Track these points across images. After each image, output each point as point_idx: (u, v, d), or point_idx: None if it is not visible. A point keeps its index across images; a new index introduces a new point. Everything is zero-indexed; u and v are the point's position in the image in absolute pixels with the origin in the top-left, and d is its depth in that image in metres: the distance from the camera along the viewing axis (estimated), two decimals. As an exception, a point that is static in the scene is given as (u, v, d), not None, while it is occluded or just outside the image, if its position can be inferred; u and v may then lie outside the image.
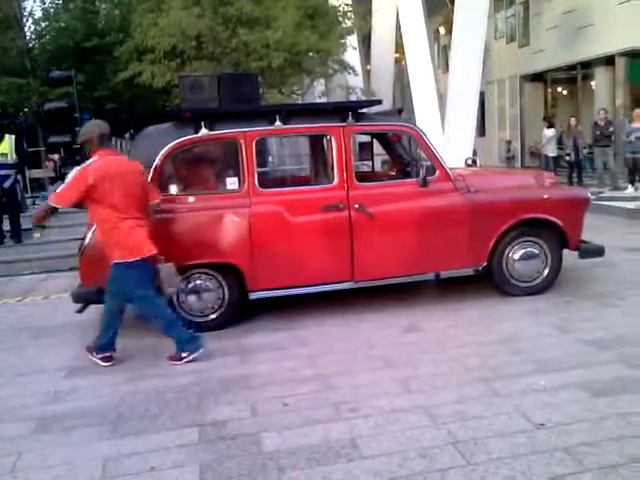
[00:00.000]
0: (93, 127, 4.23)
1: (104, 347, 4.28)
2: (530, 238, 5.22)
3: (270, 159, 13.04)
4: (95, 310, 5.00)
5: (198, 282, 4.81)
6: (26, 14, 19.05)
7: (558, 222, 5.16)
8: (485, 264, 5.14)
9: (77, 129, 12.06)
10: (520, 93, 19.52)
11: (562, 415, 3.14)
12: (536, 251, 5.23)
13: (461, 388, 3.54)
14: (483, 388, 3.53)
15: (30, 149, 14.62)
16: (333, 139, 4.93)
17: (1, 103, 16.83)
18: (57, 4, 19.16)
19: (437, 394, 3.48)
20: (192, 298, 4.81)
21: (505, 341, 4.27)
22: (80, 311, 4.80)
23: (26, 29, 18.93)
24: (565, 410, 3.19)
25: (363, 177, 5.32)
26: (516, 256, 5.19)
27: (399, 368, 3.89)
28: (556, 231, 5.22)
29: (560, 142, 14.06)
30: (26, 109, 17.36)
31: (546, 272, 5.28)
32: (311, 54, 14.48)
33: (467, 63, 13.49)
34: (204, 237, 4.73)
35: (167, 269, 4.23)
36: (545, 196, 5.32)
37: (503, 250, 5.16)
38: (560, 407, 3.23)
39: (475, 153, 16.40)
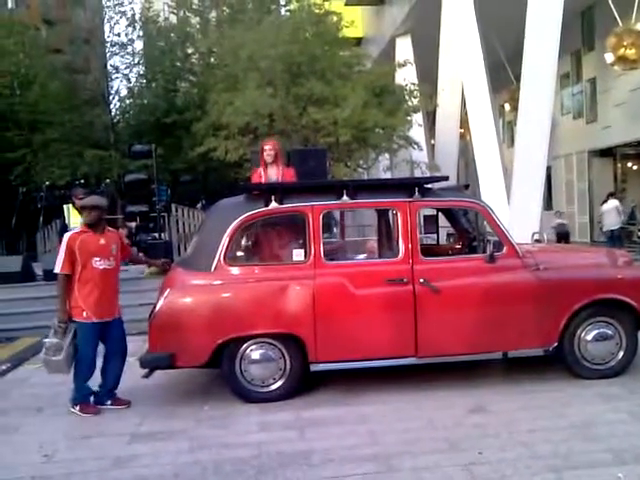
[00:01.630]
0: None
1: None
2: (603, 318, 5.02)
3: (335, 231, 13.23)
4: (161, 376, 5.11)
5: (261, 351, 4.85)
6: (112, 92, 20.59)
7: (633, 303, 4.95)
8: (556, 344, 4.95)
9: (154, 199, 12.68)
10: (588, 168, 19.22)
11: (643, 513, 2.92)
12: (610, 332, 5.00)
13: (531, 477, 3.36)
14: (554, 478, 3.33)
15: (109, 217, 15.44)
16: (399, 214, 4.98)
17: (85, 173, 17.96)
18: (141, 83, 20.63)
19: (504, 482, 3.31)
20: (254, 368, 4.84)
21: (578, 427, 4.05)
22: (146, 376, 4.91)
23: (112, 106, 20.40)
24: (646, 508, 2.97)
25: (428, 251, 5.31)
26: (588, 337, 4.98)
27: (463, 451, 3.74)
28: (631, 312, 5.00)
29: (633, 217, 13.67)
30: (107, 179, 18.43)
31: (621, 355, 5.03)
32: (377, 130, 14.86)
33: (533, 140, 13.44)
34: (269, 307, 4.79)
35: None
36: (619, 276, 5.13)
37: (575, 330, 4.97)
38: (640, 504, 3.01)
39: (564, 228, 15.82)
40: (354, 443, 3.96)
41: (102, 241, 4.86)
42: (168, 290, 4.86)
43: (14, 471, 3.78)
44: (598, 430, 3.98)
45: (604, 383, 4.89)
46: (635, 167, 19.01)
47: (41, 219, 15.20)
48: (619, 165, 19.04)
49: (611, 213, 13.65)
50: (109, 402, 4.93)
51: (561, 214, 16.99)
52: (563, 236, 15.63)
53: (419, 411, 4.51)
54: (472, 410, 4.48)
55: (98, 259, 4.77)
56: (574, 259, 5.57)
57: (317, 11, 15.60)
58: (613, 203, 13.71)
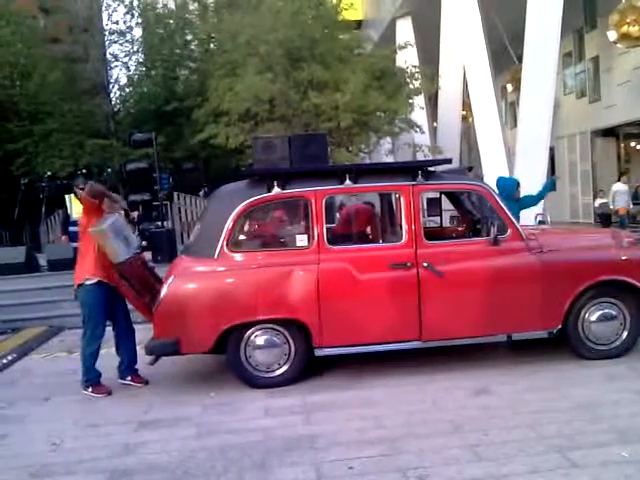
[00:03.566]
0: None
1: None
2: (607, 299, 5.01)
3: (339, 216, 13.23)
4: (166, 362, 5.14)
5: (265, 337, 4.86)
6: (112, 81, 20.49)
7: (637, 284, 4.94)
8: (560, 326, 4.95)
9: (156, 188, 12.67)
10: (592, 148, 19.11)
11: (648, 492, 2.93)
12: (614, 313, 5.00)
13: (535, 457, 3.37)
14: (559, 458, 3.35)
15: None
16: (402, 197, 4.96)
17: (87, 163, 17.94)
18: (141, 71, 20.53)
19: (510, 463, 3.33)
20: (258, 353, 4.86)
21: (582, 407, 4.06)
22: (152, 363, 4.93)
23: (111, 95, 20.32)
24: (651, 486, 2.98)
25: (432, 234, 5.30)
26: (593, 318, 4.98)
27: (469, 433, 3.76)
28: (635, 292, 4.99)
29: (636, 197, 13.61)
30: (109, 169, 18.41)
31: (625, 335, 5.03)
32: (378, 114, 14.78)
33: (536, 120, 13.38)
34: (272, 292, 4.79)
35: None
36: (623, 257, 5.12)
37: (579, 311, 4.96)
38: (645, 482, 3.02)
39: (606, 208, 14.22)
40: (360, 427, 3.98)
41: None
42: (172, 277, 4.86)
43: (23, 460, 3.81)
44: (603, 410, 3.99)
45: (609, 363, 4.90)
46: (639, 147, 18.89)
47: (43, 210, 15.22)
48: (622, 145, 18.93)
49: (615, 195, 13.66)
50: (129, 378, 5.14)
51: (604, 193, 15.25)
52: (605, 217, 14.15)
53: (424, 394, 4.52)
54: (477, 392, 4.49)
55: None
56: (578, 241, 5.55)
57: (316, -6, 15.43)
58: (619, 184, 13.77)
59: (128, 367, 5.17)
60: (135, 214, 13.13)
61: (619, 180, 14.04)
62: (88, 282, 4.90)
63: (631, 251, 5.31)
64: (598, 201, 15.39)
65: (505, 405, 4.19)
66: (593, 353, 5.01)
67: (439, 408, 4.24)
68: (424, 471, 3.29)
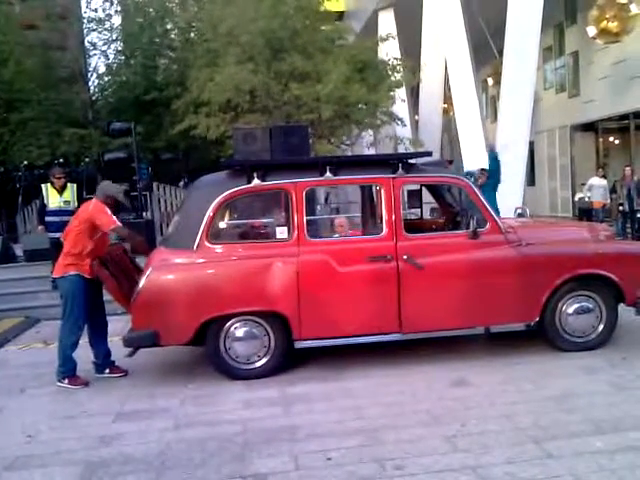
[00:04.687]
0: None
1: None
2: (584, 292, 5.07)
3: (319, 208, 13.20)
4: (144, 354, 5.10)
5: (245, 329, 4.84)
6: (91, 69, 20.15)
7: (614, 277, 5.01)
8: (537, 319, 5.00)
9: (135, 178, 12.52)
10: (571, 143, 19.30)
11: (621, 481, 2.98)
12: (590, 306, 5.07)
13: (512, 448, 3.41)
14: (535, 448, 3.39)
15: (89, 196, 15.26)
16: (383, 190, 4.97)
17: (64, 152, 17.66)
18: (120, 60, 20.22)
19: (486, 453, 3.36)
20: (238, 345, 4.84)
21: (558, 398, 4.11)
22: (130, 355, 4.89)
23: (90, 83, 19.99)
24: (623, 475, 3.03)
25: (412, 226, 5.32)
26: (569, 310, 5.04)
27: (447, 424, 3.79)
28: (612, 286, 5.06)
29: (614, 191, 13.78)
30: (87, 158, 18.14)
31: (601, 327, 5.10)
32: (360, 106, 14.74)
33: (516, 114, 13.48)
34: (252, 285, 4.78)
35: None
36: (600, 250, 5.18)
37: (556, 304, 5.02)
38: (618, 472, 3.07)
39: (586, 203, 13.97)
40: (339, 418, 3.99)
41: None
42: (150, 269, 4.82)
43: (-2, 452, 3.77)
44: (579, 401, 4.05)
45: (585, 355, 4.97)
46: (617, 141, 19.12)
47: (20, 200, 14.96)
48: (601, 140, 19.14)
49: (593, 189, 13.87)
50: (107, 371, 5.12)
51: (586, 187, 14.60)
52: (585, 212, 13.97)
53: (403, 385, 4.55)
54: (455, 383, 4.53)
55: None
56: (556, 234, 5.61)
57: (298, -16, 15.28)
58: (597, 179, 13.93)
59: (104, 360, 5.14)
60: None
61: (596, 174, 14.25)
62: (72, 272, 4.85)
63: (608, 245, 5.39)
64: (578, 195, 15.52)
65: (482, 396, 4.23)
66: (570, 345, 5.07)
67: (418, 399, 4.27)
68: (401, 461, 3.31)
